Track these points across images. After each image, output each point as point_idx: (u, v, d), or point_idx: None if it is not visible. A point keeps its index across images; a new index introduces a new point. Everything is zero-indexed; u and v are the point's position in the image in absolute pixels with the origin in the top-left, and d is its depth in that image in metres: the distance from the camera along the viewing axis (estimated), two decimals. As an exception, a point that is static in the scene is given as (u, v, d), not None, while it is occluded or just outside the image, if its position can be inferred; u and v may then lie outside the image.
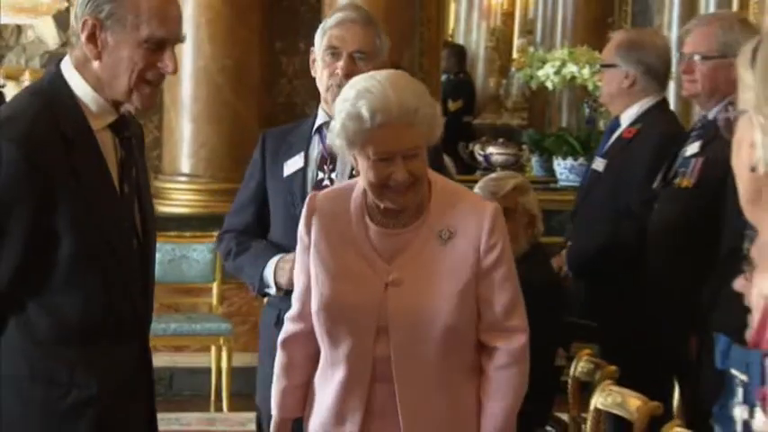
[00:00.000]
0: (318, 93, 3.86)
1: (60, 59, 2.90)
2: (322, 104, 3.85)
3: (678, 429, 3.34)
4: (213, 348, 7.19)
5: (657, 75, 4.84)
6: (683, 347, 4.21)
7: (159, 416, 7.72)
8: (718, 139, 4.13)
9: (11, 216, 2.71)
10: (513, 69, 13.30)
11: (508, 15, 14.80)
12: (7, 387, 2.81)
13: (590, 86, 8.85)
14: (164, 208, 7.68)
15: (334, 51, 3.74)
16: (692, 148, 4.39)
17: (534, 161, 8.68)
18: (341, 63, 3.72)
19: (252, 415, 6.14)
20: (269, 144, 4.00)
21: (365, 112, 2.99)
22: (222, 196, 7.49)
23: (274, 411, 3.41)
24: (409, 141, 3.04)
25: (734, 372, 1.53)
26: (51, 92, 2.84)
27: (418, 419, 3.19)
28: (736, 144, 1.60)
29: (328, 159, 3.79)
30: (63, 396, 2.81)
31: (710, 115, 4.43)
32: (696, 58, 4.39)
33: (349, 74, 3.57)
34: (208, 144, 7.74)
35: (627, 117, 4.85)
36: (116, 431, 2.91)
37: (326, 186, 3.66)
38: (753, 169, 1.55)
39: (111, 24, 2.73)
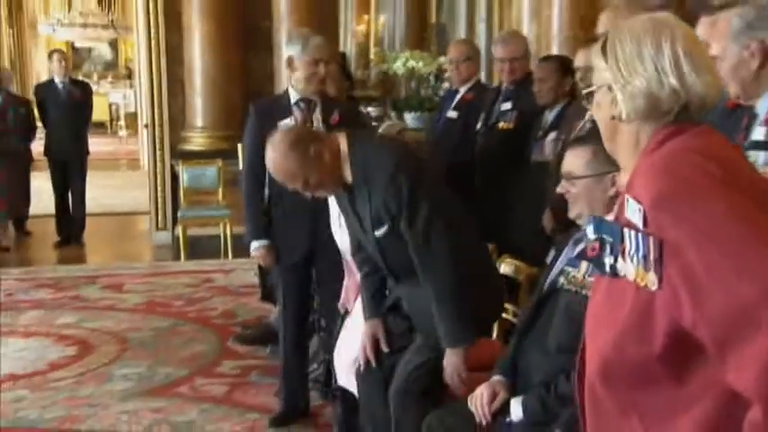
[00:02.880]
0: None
1: None
2: (296, 86, 3.48)
3: (509, 260, 3.16)
4: (221, 224, 7.22)
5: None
6: (500, 223, 4.12)
7: (194, 264, 7.35)
8: (520, 102, 4.30)
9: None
10: (371, 65, 13.36)
11: (366, 36, 14.95)
12: None
13: (423, 73, 8.98)
14: (189, 147, 7.68)
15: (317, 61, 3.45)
16: (506, 106, 4.40)
17: (392, 114, 8.78)
18: (320, 67, 3.46)
19: (245, 260, 6.08)
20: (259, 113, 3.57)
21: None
22: (219, 140, 7.55)
23: None
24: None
25: (605, 236, 1.40)
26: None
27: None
28: (596, 105, 1.48)
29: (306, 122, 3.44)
30: None
31: (510, 87, 4.45)
32: (515, 61, 4.39)
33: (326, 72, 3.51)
34: (210, 110, 7.72)
35: (464, 87, 4.77)
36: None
37: None
38: (613, 118, 1.44)
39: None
